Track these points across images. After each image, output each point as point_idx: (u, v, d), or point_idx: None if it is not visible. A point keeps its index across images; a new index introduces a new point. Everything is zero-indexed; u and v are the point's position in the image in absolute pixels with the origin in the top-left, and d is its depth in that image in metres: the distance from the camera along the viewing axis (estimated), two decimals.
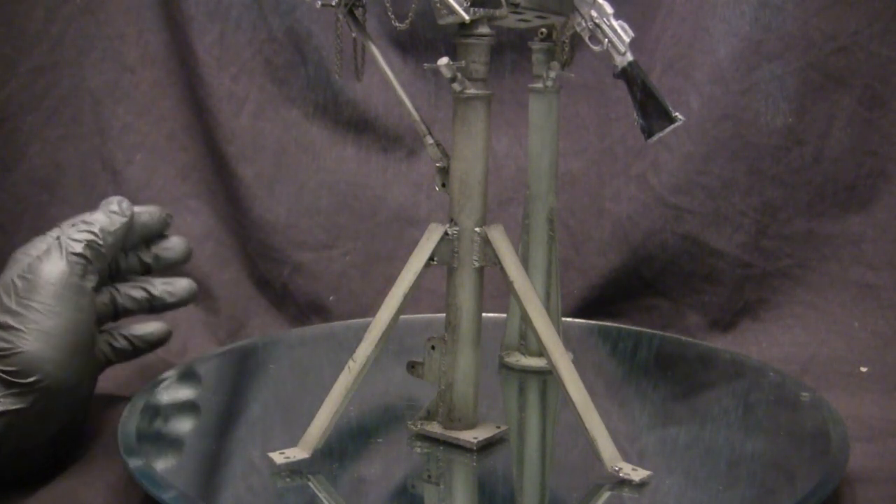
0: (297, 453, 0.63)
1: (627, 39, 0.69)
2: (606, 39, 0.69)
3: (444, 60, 0.61)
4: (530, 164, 0.82)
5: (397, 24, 0.65)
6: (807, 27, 1.01)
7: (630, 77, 0.69)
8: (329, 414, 0.63)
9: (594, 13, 0.69)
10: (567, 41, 0.78)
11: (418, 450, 0.66)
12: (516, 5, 0.64)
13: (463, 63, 0.62)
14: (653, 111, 0.68)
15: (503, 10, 0.62)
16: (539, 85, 0.80)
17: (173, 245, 0.83)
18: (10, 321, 0.65)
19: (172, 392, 0.76)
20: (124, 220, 0.75)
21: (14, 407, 0.64)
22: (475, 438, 0.65)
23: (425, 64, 0.63)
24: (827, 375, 0.91)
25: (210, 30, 1.06)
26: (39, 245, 0.70)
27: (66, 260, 0.69)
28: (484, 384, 0.68)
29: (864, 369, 0.92)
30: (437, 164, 0.66)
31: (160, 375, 0.78)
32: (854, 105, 1.02)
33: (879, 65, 1.01)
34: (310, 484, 0.60)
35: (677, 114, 0.68)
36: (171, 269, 0.85)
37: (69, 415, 0.69)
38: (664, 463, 0.65)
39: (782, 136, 1.02)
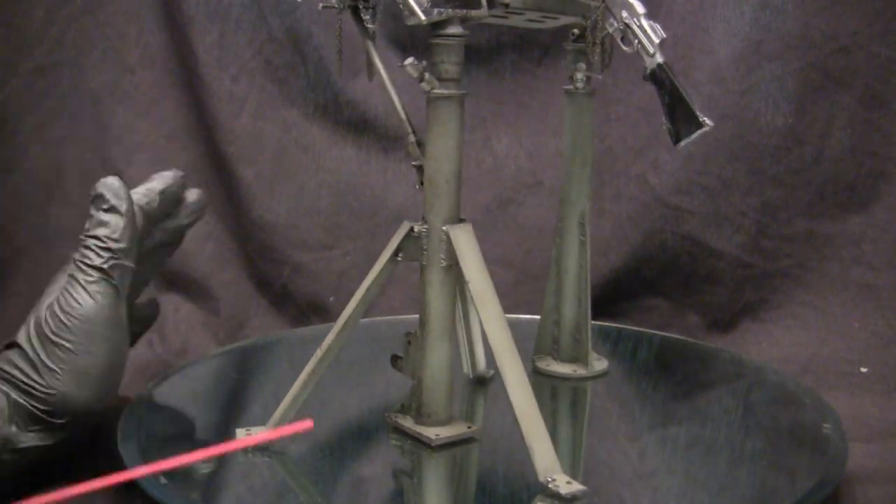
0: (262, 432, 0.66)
1: (657, 40, 0.67)
2: (636, 40, 0.68)
3: (409, 60, 0.61)
4: (563, 167, 0.81)
5: (369, 26, 0.65)
6: (807, 27, 1.00)
7: (659, 80, 0.67)
8: (293, 396, 0.66)
9: (624, 13, 0.68)
10: (599, 42, 0.76)
11: (394, 441, 0.67)
12: (506, 6, 0.64)
13: (425, 63, 0.62)
14: (681, 116, 0.66)
15: (481, 11, 0.61)
16: (570, 87, 0.79)
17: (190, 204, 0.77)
18: (46, 360, 0.63)
19: (172, 392, 0.76)
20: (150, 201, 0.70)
21: (41, 443, 0.63)
22: (437, 436, 0.65)
23: (398, 63, 0.63)
24: (827, 375, 0.91)
25: (210, 30, 1.06)
26: (60, 277, 0.67)
27: (91, 294, 0.64)
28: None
29: (864, 369, 0.92)
30: (413, 163, 0.66)
31: (160, 375, 0.78)
32: (854, 105, 1.01)
33: (879, 65, 1.01)
34: (272, 461, 0.63)
35: (705, 118, 0.67)
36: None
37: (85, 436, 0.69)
38: (664, 463, 0.65)
39: (782, 136, 1.02)
